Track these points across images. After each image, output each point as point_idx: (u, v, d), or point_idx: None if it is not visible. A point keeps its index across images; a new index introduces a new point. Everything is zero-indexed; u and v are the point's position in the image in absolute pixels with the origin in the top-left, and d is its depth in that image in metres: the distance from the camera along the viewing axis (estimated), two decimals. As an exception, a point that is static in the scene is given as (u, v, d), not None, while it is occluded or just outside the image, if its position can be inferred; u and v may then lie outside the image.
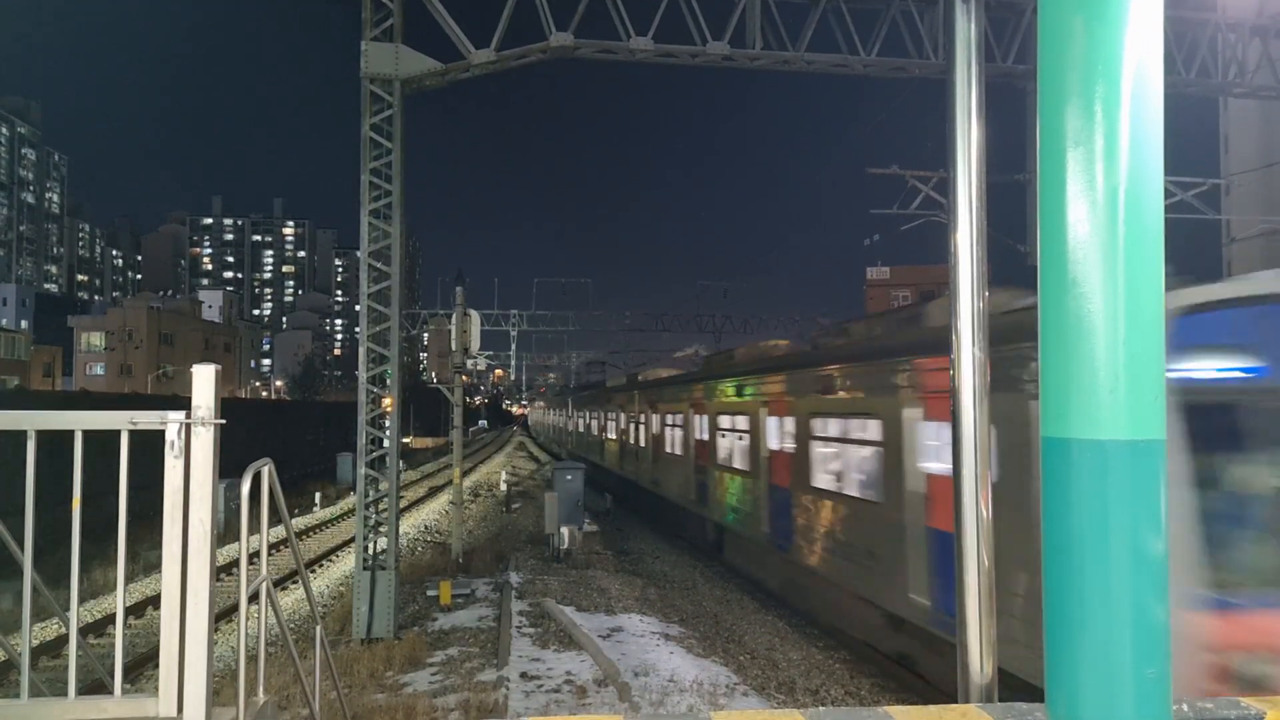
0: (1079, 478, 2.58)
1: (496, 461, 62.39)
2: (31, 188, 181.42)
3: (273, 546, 18.06)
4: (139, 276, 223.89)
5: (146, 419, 3.33)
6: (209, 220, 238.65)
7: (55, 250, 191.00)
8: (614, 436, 35.12)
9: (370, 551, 13.59)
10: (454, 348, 20.46)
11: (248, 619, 3.86)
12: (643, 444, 28.83)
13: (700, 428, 21.55)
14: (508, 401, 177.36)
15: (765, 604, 17.15)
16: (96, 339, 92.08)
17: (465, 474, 30.17)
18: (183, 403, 3.35)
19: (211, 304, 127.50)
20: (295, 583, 18.06)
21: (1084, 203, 2.57)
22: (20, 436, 3.44)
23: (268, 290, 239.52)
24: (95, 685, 5.89)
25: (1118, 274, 2.53)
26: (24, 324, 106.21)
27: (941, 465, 10.15)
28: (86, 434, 3.45)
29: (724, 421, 19.61)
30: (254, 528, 4.01)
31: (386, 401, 14.01)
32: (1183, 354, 6.79)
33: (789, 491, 15.40)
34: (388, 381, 14.04)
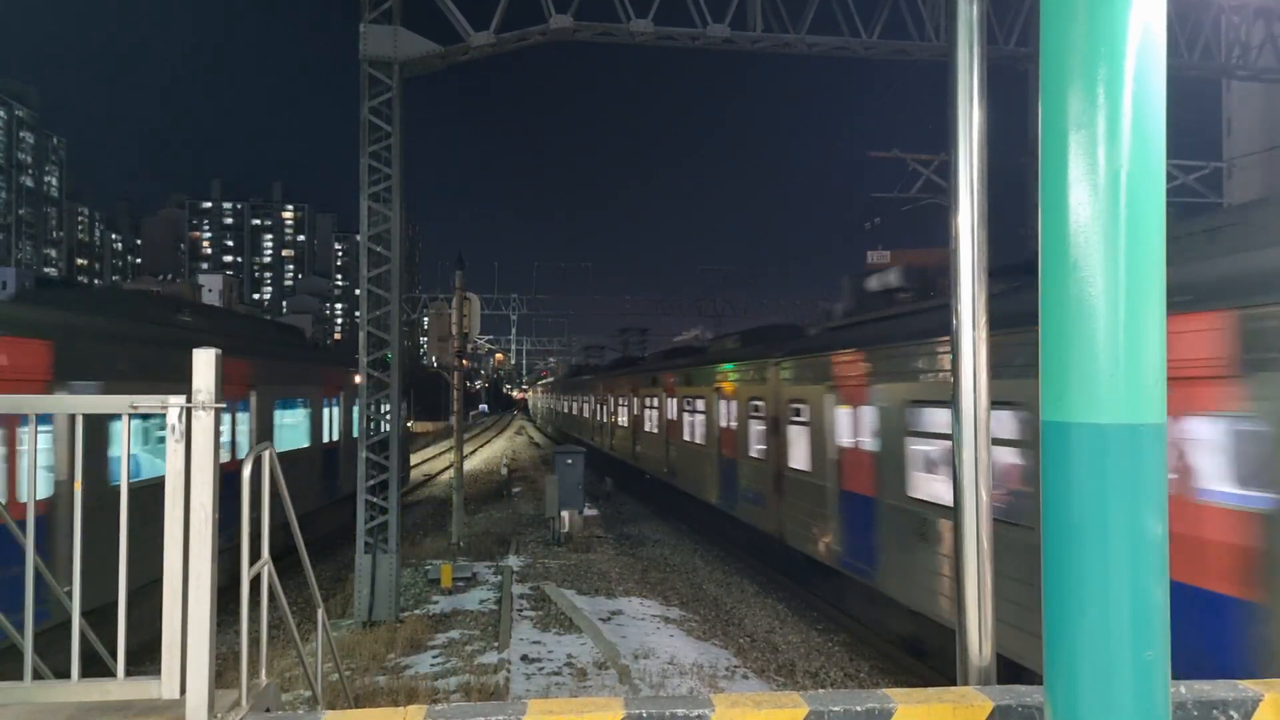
0: (1078, 461, 2.59)
1: (497, 446, 62.51)
2: (30, 171, 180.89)
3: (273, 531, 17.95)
4: (138, 260, 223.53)
5: (147, 403, 3.34)
6: (208, 204, 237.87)
7: (54, 234, 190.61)
8: (587, 415, 45.46)
9: (371, 535, 13.63)
10: (454, 332, 20.44)
11: (249, 603, 3.88)
12: (605, 419, 38.65)
13: (634, 406, 31.31)
14: (508, 386, 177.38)
15: (765, 587, 17.22)
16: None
17: (465, 458, 30.30)
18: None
19: (211, 288, 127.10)
20: (297, 566, 18.07)
21: (1085, 186, 2.56)
22: None
23: (267, 274, 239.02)
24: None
25: (1119, 258, 2.53)
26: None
27: (729, 422, 19.75)
28: None
29: (649, 401, 28.99)
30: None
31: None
32: None
33: (674, 444, 25.22)
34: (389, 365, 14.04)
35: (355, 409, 17.37)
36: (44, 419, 9.44)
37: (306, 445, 19.62)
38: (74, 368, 10.85)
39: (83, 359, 11.22)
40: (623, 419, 35.17)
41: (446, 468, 39.34)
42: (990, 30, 14.83)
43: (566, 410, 56.56)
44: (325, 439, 20.84)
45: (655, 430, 28.37)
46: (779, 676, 11.75)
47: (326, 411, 20.80)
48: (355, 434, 17.10)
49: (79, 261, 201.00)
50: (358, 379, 13.07)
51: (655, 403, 28.38)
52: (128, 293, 22.98)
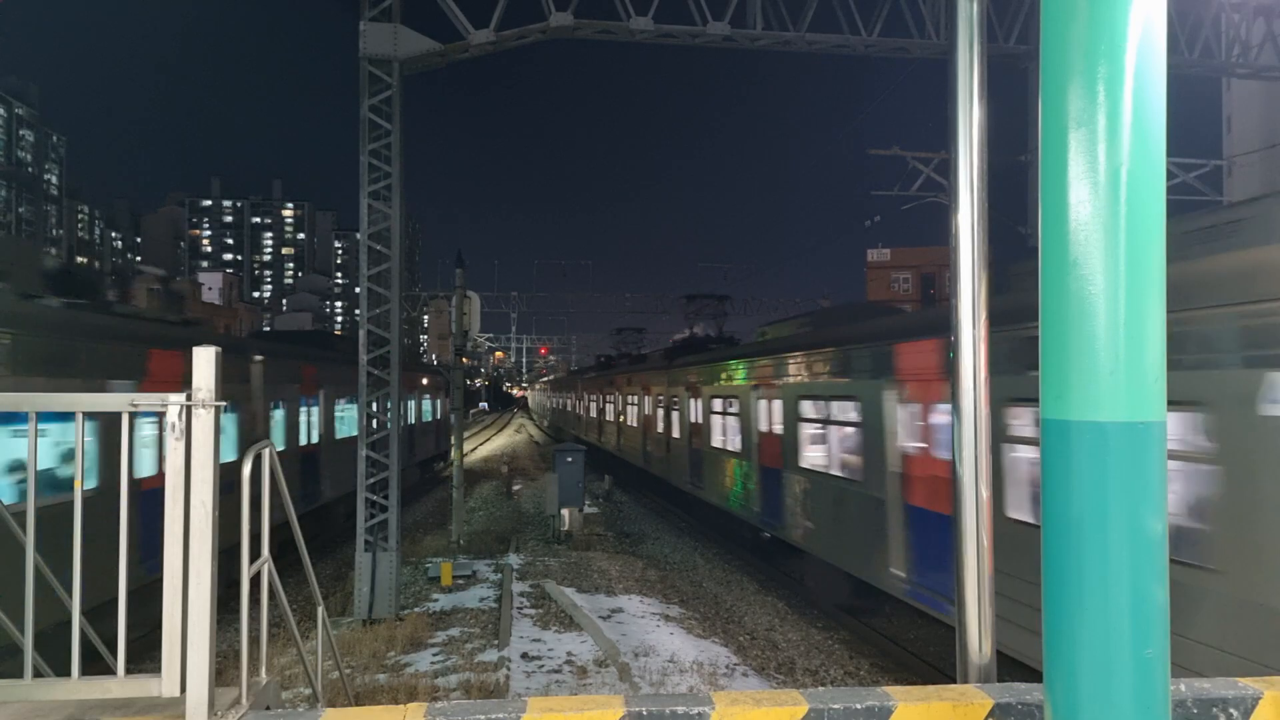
0: (1078, 459, 2.58)
1: (497, 443, 62.51)
2: (30, 169, 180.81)
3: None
4: (138, 258, 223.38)
5: (147, 401, 3.33)
6: (208, 202, 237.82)
7: (54, 232, 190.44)
8: (580, 412, 50.28)
9: (371, 533, 13.64)
10: (454, 330, 20.46)
11: (249, 600, 3.88)
12: (593, 414, 43.21)
13: (618, 404, 34.99)
14: (508, 384, 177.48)
15: (765, 585, 17.23)
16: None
17: (465, 456, 30.53)
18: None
19: (211, 286, 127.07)
20: (297, 564, 18.11)
21: (1085, 184, 2.55)
22: None
23: (267, 272, 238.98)
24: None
25: (1119, 255, 2.53)
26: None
27: (697, 418, 22.17)
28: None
29: (630, 399, 32.38)
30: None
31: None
32: None
33: (604, 422, 33.37)
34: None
35: (424, 400, 33.33)
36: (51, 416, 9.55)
37: (415, 421, 31.04)
38: (325, 381, 20.66)
39: (327, 376, 20.75)
40: (605, 413, 36.54)
41: (448, 465, 39.32)
42: (990, 28, 14.83)
43: (590, 415, 46.81)
44: (417, 418, 32.41)
45: (636, 425, 31.21)
46: (779, 674, 11.76)
47: (412, 402, 31.06)
48: (428, 418, 34.22)
49: (79, 260, 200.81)
50: (424, 379, 18.90)
51: (635, 400, 31.33)
52: (320, 334, 36.70)
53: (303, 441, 19.33)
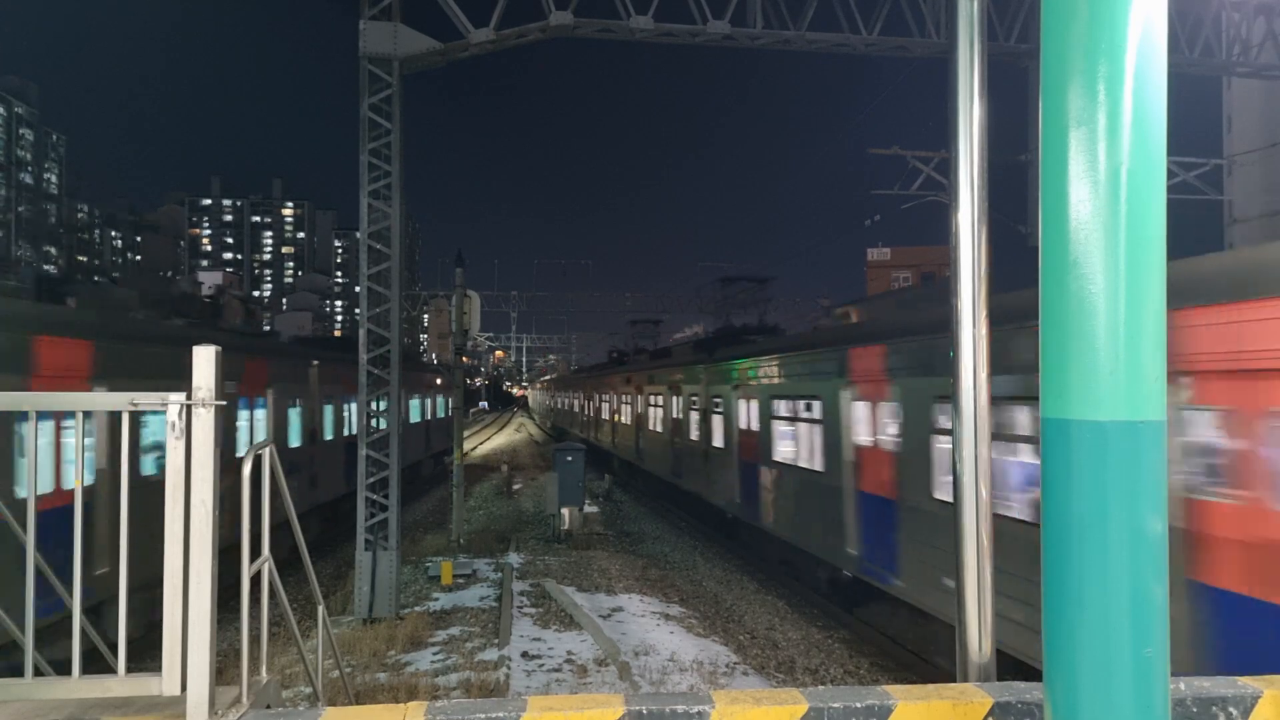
0: (1079, 459, 2.58)
1: (497, 442, 62.53)
2: (30, 168, 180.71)
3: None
4: (138, 258, 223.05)
5: (147, 400, 3.33)
6: (208, 201, 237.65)
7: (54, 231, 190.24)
8: (589, 413, 49.87)
9: (371, 532, 13.64)
10: (454, 329, 20.47)
11: (250, 599, 3.87)
12: (604, 416, 42.59)
13: (636, 405, 34.88)
14: (508, 383, 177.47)
15: (765, 584, 17.23)
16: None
17: (465, 455, 30.57)
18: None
19: (211, 285, 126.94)
20: (297, 563, 18.11)
21: (1086, 183, 2.55)
22: None
23: (267, 271, 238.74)
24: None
25: (1119, 255, 2.53)
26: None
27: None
28: None
29: (653, 400, 31.58)
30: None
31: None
32: None
33: (618, 425, 36.00)
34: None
35: (438, 398, 37.50)
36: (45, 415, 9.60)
37: (430, 417, 35.13)
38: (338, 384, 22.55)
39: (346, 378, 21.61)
40: (590, 410, 44.34)
41: (448, 464, 39.39)
42: (991, 27, 14.82)
43: (601, 417, 43.12)
44: (432, 415, 36.06)
45: (614, 419, 38.76)
46: (779, 673, 11.76)
47: (428, 400, 35.43)
48: (440, 414, 37.92)
49: (79, 259, 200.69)
50: (438, 380, 22.23)
51: (612, 399, 37.93)
52: (350, 340, 43.65)
53: (345, 433, 23.04)
